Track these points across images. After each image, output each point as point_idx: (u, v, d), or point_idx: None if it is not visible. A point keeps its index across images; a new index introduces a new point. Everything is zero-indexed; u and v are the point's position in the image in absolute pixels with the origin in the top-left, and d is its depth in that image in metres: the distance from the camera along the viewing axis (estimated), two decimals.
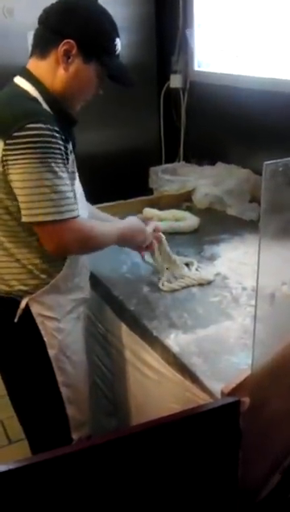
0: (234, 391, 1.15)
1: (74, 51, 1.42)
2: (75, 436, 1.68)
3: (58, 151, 1.36)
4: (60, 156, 1.36)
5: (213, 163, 2.65)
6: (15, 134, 1.30)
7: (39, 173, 1.32)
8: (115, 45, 1.49)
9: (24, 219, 1.37)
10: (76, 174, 1.58)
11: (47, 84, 1.44)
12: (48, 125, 1.33)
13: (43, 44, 1.44)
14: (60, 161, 1.37)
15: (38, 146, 1.32)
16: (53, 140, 1.34)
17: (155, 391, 1.55)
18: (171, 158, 2.97)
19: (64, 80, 1.44)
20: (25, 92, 1.42)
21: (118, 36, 1.50)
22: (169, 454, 1.12)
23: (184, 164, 2.86)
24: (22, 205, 1.36)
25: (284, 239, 1.07)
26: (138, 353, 1.61)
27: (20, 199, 1.36)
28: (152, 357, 1.52)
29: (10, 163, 1.32)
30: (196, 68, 2.73)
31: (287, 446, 1.37)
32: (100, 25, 1.45)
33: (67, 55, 1.42)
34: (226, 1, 2.44)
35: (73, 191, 1.45)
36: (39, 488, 1.00)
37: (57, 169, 1.35)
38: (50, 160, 1.33)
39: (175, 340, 1.45)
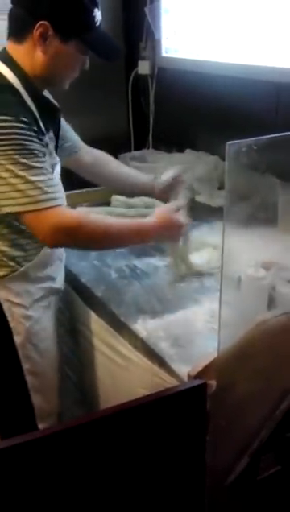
0: (201, 374, 1.15)
1: (50, 33, 1.36)
2: (41, 426, 1.66)
3: (26, 143, 1.32)
4: (28, 148, 1.32)
5: (182, 150, 2.64)
6: None
7: (4, 165, 1.30)
8: (94, 17, 1.40)
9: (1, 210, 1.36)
10: (58, 162, 1.56)
11: (27, 69, 1.40)
12: (15, 117, 1.30)
13: (18, 28, 1.39)
14: (27, 152, 1.32)
15: (2, 139, 1.29)
16: (20, 132, 1.30)
17: (124, 377, 1.54)
18: (140, 146, 2.95)
19: (45, 62, 1.40)
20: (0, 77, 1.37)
21: (97, 6, 1.41)
22: (136, 438, 1.12)
23: (153, 151, 2.85)
24: None
25: (250, 221, 1.07)
26: (107, 339, 1.60)
27: None
28: (120, 343, 1.52)
29: None
30: (163, 54, 2.71)
31: (255, 429, 1.38)
32: (73, 0, 1.37)
33: (43, 37, 1.36)
34: None
35: (54, 179, 1.41)
36: (8, 473, 0.99)
37: (25, 160, 1.31)
38: (16, 152, 1.30)
39: (142, 325, 1.45)
